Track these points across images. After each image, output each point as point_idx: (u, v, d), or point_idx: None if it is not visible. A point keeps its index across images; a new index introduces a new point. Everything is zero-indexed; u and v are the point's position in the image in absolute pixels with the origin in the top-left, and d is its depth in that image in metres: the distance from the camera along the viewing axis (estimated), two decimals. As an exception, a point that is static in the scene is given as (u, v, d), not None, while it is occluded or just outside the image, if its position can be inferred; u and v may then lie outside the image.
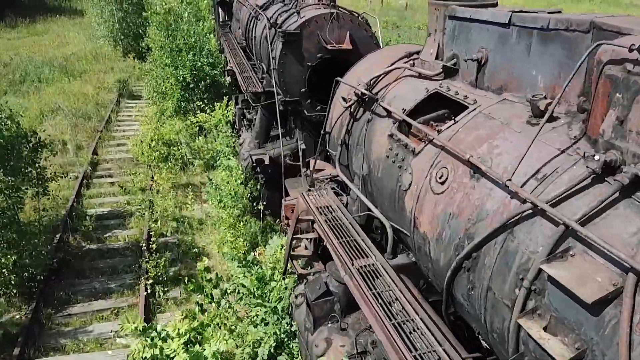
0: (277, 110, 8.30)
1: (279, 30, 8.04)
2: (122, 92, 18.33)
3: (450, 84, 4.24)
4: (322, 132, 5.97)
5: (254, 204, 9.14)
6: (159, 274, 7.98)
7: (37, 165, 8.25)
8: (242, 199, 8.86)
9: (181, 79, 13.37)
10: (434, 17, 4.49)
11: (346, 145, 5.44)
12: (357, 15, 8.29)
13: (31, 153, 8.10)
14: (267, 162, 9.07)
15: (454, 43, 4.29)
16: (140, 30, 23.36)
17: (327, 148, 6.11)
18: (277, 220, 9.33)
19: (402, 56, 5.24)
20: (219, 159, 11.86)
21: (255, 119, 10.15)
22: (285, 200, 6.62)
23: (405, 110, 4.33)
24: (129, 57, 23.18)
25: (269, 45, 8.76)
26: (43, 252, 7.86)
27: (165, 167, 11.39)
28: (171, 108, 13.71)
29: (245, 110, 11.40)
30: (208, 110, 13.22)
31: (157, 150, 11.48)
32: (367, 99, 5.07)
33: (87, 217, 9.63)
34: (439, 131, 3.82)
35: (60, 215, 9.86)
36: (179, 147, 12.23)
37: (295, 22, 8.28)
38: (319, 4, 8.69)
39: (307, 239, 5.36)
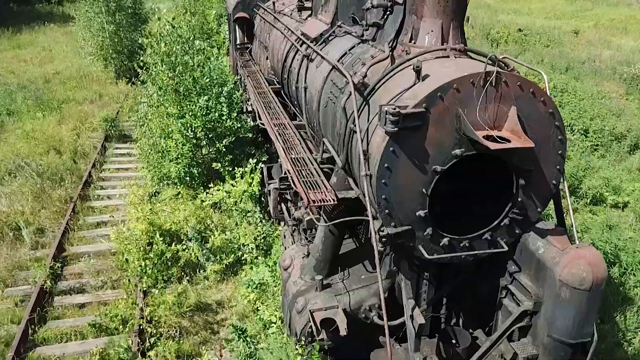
0: (375, 248, 4.44)
1: (384, 109, 4.15)
2: (110, 133, 14.51)
3: None
4: None
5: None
6: None
7: None
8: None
9: (191, 134, 9.50)
10: None
11: None
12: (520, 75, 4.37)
13: None
14: (340, 324, 5.20)
15: None
16: (136, 47, 19.67)
17: None
18: None
19: None
20: (243, 259, 8.04)
21: (313, 230, 6.30)
22: None
23: None
24: (121, 81, 19.41)
25: (352, 124, 4.91)
26: None
27: (164, 287, 7.51)
28: (175, 174, 9.82)
29: (288, 201, 7.53)
30: (227, 180, 9.40)
31: (151, 258, 7.59)
32: None
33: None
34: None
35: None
36: (186, 245, 8.34)
37: (410, 87, 4.40)
38: (445, 49, 4.80)
39: None
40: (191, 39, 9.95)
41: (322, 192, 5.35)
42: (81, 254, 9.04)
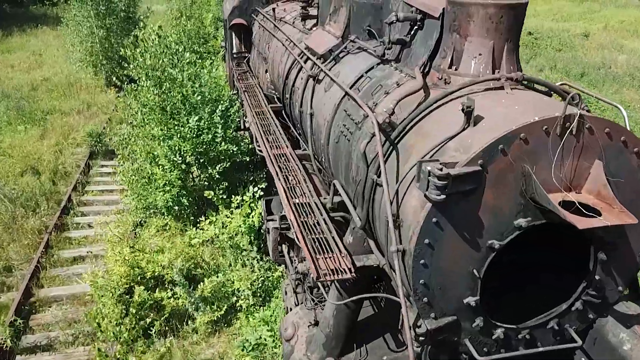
0: (411, 352, 3.30)
1: (426, 168, 3.01)
2: (96, 150, 13.36)
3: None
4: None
5: None
6: None
7: None
8: None
9: (179, 159, 8.36)
10: None
11: None
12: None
13: None
14: None
15: None
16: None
17: None
18: None
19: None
20: (238, 306, 6.96)
21: (323, 304, 5.18)
22: None
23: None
24: (110, 90, 18.28)
25: (376, 176, 3.79)
26: None
27: (145, 345, 6.38)
28: (162, 203, 8.68)
29: (290, 249, 6.42)
30: (221, 209, 8.29)
31: (126, 324, 6.44)
32: None
33: None
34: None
35: None
36: (172, 291, 7.21)
37: (458, 134, 3.27)
38: (499, 78, 3.67)
39: None
40: (181, 50, 8.80)
41: (334, 258, 4.20)
42: (52, 298, 7.90)
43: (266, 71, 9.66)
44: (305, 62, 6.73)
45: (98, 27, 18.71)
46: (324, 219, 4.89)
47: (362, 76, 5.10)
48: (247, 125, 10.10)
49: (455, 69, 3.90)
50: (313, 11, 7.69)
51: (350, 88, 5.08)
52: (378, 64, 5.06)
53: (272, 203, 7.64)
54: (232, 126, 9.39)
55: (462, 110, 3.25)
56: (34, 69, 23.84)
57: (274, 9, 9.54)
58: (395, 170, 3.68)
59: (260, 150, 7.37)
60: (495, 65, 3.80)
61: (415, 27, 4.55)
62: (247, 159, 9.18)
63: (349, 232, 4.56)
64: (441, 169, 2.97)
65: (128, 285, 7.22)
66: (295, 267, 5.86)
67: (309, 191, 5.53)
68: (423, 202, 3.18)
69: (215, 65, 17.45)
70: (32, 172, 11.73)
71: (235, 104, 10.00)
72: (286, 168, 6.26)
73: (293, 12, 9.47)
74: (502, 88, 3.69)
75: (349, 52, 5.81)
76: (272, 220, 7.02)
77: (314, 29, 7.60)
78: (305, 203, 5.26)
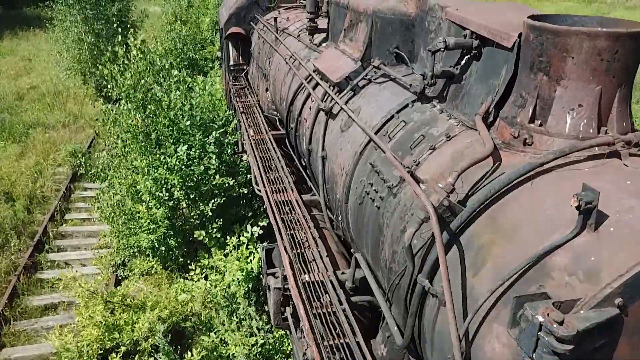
0: None
1: (536, 319, 1.80)
2: (79, 171, 12.15)
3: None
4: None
5: None
6: None
7: None
8: None
9: (166, 195, 7.18)
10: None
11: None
12: None
13: None
14: None
15: None
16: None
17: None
18: None
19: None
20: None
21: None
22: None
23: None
24: (98, 101, 17.07)
25: (427, 282, 2.60)
26: None
27: None
28: (146, 244, 7.49)
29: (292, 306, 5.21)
30: (215, 252, 7.15)
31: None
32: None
33: None
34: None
35: None
36: (152, 362, 6.04)
37: (566, 242, 2.04)
38: (612, 142, 2.46)
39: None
40: (167, 66, 7.62)
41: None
42: (14, 363, 6.72)
43: (267, 89, 8.48)
44: (314, 87, 5.55)
45: (86, 32, 17.51)
46: (345, 311, 3.70)
47: (392, 117, 3.91)
48: (244, 147, 8.93)
49: (541, 125, 2.71)
50: (322, 23, 6.50)
51: (377, 132, 3.90)
52: (414, 101, 3.87)
53: (274, 252, 6.44)
54: (229, 152, 8.21)
55: (578, 207, 2.05)
56: (21, 75, 22.68)
57: (275, 19, 8.35)
58: (459, 280, 2.49)
59: (260, 191, 6.18)
60: (602, 122, 2.62)
61: (470, 56, 3.37)
62: (245, 192, 7.99)
63: (382, 339, 3.37)
64: (562, 322, 1.78)
65: (102, 352, 6.04)
66: (305, 355, 4.67)
67: (322, 261, 4.34)
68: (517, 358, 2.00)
69: (212, 77, 16.30)
70: (5, 199, 10.54)
71: (232, 122, 8.82)
72: (291, 222, 5.07)
73: (297, 21, 8.30)
74: (617, 156, 2.50)
75: (372, 80, 4.62)
76: (273, 275, 5.86)
77: (324, 45, 6.43)
78: (317, 281, 4.07)
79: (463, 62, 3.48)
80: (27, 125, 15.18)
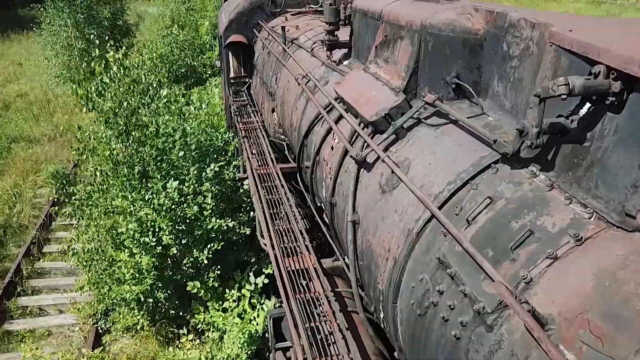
0: None
1: None
2: (61, 193, 10.93)
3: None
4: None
5: None
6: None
7: None
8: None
9: (152, 241, 5.98)
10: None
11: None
12: None
13: None
14: None
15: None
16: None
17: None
18: None
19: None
20: None
21: None
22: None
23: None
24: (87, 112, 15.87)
25: None
26: None
27: None
28: (131, 296, 6.27)
29: None
30: (212, 305, 5.96)
31: None
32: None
33: None
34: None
35: None
36: None
37: None
38: None
39: None
40: (155, 84, 6.42)
41: None
42: None
43: (273, 110, 7.27)
44: (336, 120, 4.33)
45: (76, 38, 16.33)
46: None
47: (464, 184, 2.69)
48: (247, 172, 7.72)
49: None
50: (343, 35, 5.27)
51: (442, 206, 2.69)
52: (496, 161, 2.66)
53: (283, 323, 5.22)
54: (228, 185, 7.02)
55: None
56: (11, 81, 21.52)
57: (283, 28, 7.12)
58: None
59: (265, 245, 4.97)
60: None
61: (600, 105, 2.16)
62: (247, 232, 6.77)
63: None
64: None
65: None
66: None
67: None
68: None
69: (210, 87, 15.07)
70: (-24, 230, 9.37)
71: (233, 143, 7.63)
72: (309, 302, 3.85)
73: (309, 30, 7.10)
74: None
75: (422, 121, 3.41)
76: (283, 353, 4.70)
77: (345, 63, 5.22)
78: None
79: (584, 111, 2.28)
80: (10, 139, 13.99)
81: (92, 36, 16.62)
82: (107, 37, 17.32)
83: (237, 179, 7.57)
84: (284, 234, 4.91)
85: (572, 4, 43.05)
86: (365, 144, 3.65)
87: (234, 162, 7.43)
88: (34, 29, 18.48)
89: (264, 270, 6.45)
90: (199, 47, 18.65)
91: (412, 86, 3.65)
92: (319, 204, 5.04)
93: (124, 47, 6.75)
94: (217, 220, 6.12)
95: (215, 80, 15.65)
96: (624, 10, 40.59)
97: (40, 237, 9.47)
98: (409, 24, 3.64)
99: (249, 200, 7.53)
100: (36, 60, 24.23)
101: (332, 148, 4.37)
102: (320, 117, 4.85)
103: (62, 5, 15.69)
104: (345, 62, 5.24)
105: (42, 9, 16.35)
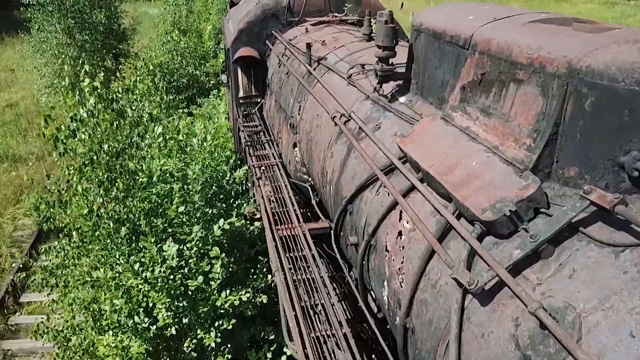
0: None
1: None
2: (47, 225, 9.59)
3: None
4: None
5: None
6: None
7: None
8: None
9: (144, 322, 4.63)
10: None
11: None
12: None
13: None
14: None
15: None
16: (109, 75, 14.75)
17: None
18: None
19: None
20: None
21: None
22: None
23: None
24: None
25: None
26: None
27: None
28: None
29: None
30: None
31: None
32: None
33: None
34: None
35: None
36: None
37: None
38: None
39: None
40: (145, 118, 5.06)
41: None
42: None
43: (295, 145, 5.91)
44: (405, 193, 2.96)
45: (68, 45, 14.98)
46: None
47: None
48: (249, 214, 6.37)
49: None
50: (399, 67, 3.89)
51: None
52: None
53: None
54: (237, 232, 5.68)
55: None
56: (1, 89, 20.22)
57: (309, 46, 5.72)
58: None
59: (296, 352, 3.61)
60: None
61: None
62: (264, 300, 5.40)
63: None
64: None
65: None
66: None
67: None
68: None
69: (216, 102, 13.65)
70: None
71: (242, 174, 6.31)
72: None
73: (339, 48, 5.72)
74: None
75: (582, 232, 2.03)
76: None
77: (402, 100, 3.85)
78: None
79: None
80: (-7, 159, 12.69)
81: (86, 43, 15.33)
82: (99, 45, 16.07)
83: (247, 218, 6.23)
84: (321, 339, 3.55)
85: (584, 5, 41.72)
86: (474, 257, 2.29)
87: (245, 207, 6.10)
88: (22, 34, 17.17)
89: (284, 350, 5.11)
90: (201, 54, 17.27)
91: (546, 162, 2.30)
92: (372, 301, 3.67)
93: (102, 73, 5.34)
94: (228, 296, 4.75)
95: (220, 92, 14.27)
96: (639, 11, 39.23)
97: (18, 282, 8.12)
98: (541, 63, 2.29)
99: (262, 244, 6.23)
100: (29, 66, 23.03)
101: (399, 235, 3.00)
102: (374, 179, 3.48)
103: (50, 9, 14.34)
104: (402, 99, 3.87)
105: (28, 12, 14.98)
